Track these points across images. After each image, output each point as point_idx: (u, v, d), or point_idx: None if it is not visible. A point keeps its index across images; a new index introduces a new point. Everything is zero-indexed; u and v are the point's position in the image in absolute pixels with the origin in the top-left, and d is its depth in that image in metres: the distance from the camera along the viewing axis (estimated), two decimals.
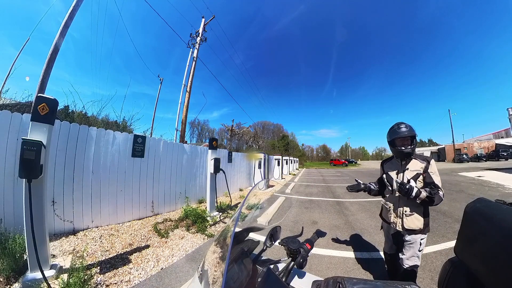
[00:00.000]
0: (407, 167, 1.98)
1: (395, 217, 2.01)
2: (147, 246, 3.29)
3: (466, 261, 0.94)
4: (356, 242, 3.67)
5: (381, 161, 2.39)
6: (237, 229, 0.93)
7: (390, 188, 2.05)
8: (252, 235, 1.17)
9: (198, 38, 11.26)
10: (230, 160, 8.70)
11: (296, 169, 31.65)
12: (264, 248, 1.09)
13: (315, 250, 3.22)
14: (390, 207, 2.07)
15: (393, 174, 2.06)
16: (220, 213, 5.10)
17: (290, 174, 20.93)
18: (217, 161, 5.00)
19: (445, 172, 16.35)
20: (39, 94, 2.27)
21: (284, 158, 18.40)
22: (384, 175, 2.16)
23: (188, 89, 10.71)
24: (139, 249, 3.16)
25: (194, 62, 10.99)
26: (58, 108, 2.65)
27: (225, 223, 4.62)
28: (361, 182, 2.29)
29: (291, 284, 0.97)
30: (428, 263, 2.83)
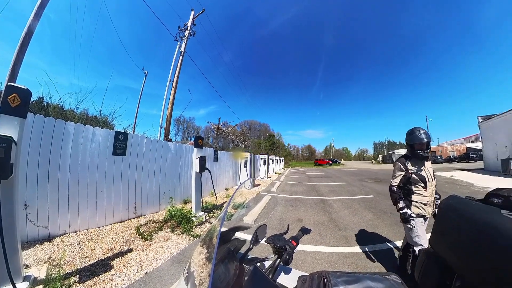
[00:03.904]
0: (427, 165, 2.37)
1: (430, 207, 2.28)
2: (130, 250, 3.17)
3: (439, 252, 1.02)
4: (340, 238, 3.80)
5: (396, 160, 2.56)
6: (223, 229, 0.93)
7: (424, 185, 2.29)
8: (238, 234, 1.18)
9: (187, 32, 10.91)
10: (216, 159, 8.61)
11: (282, 168, 32.02)
12: (251, 246, 1.09)
13: (300, 247, 3.29)
14: (428, 201, 2.27)
15: (423, 172, 2.33)
16: (206, 213, 5.04)
17: (276, 173, 21.14)
18: (202, 160, 4.94)
19: None
20: (9, 83, 2.06)
21: (270, 157, 18.54)
22: (413, 175, 2.33)
23: (174, 85, 10.40)
24: (121, 254, 3.03)
25: (181, 57, 10.66)
26: (31, 100, 2.45)
27: (211, 223, 4.58)
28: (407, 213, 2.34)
29: (278, 280, 0.99)
30: None
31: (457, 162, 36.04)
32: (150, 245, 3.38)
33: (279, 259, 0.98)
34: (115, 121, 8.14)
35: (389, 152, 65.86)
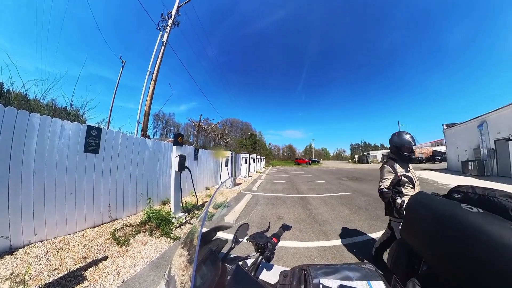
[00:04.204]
0: (411, 167, 2.50)
1: None
2: (105, 258, 2.97)
3: (409, 241, 1.16)
4: (319, 233, 3.96)
5: (383, 163, 2.58)
6: (204, 229, 0.92)
7: (412, 185, 2.37)
8: (220, 234, 1.17)
9: (170, 21, 10.25)
10: (196, 157, 8.44)
11: (263, 167, 32.32)
12: (233, 246, 1.10)
13: (281, 243, 3.35)
14: None
15: (410, 173, 2.42)
16: (186, 214, 4.93)
17: (257, 172, 21.28)
18: (182, 159, 4.81)
19: None
20: None
21: (251, 156, 18.62)
22: (402, 177, 2.37)
23: (154, 77, 9.84)
24: (95, 262, 2.82)
25: (163, 47, 10.04)
26: None
27: (192, 224, 4.49)
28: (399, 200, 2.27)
29: (260, 277, 1.01)
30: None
31: (425, 163, 40.86)
32: (127, 251, 3.21)
33: (261, 257, 1.00)
34: (87, 114, 7.59)
35: (365, 153, 70.50)
